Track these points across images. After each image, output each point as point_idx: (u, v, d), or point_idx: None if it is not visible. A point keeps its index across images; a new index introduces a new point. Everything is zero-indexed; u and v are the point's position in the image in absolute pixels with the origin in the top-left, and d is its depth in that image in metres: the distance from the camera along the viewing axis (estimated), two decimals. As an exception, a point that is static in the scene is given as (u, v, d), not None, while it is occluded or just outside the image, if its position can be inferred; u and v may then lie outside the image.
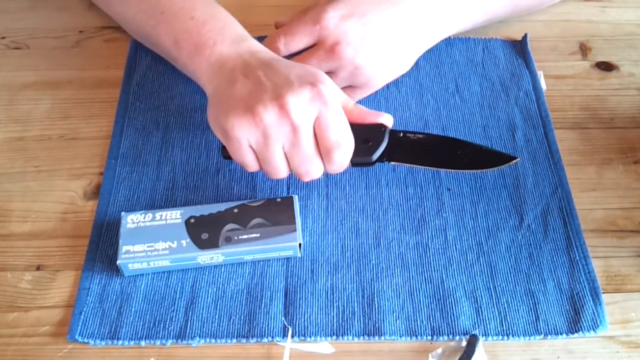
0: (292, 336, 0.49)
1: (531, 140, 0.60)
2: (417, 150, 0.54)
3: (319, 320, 0.50)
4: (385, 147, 0.52)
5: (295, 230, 0.51)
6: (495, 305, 0.50)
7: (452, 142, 0.55)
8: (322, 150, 0.50)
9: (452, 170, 0.56)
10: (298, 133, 0.48)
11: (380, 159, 0.53)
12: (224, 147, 0.53)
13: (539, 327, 0.49)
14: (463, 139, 0.55)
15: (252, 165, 0.51)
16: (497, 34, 0.69)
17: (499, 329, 0.49)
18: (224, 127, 0.49)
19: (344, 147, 0.50)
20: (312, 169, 0.51)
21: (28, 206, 0.56)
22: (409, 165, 0.54)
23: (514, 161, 0.54)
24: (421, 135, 0.54)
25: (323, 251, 0.53)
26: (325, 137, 0.49)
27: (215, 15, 0.56)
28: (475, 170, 0.55)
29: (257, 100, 0.48)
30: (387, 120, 0.53)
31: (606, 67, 0.66)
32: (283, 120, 0.48)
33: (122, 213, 0.52)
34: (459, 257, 0.53)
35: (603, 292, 0.51)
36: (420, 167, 0.55)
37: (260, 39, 0.57)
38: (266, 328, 0.49)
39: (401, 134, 0.54)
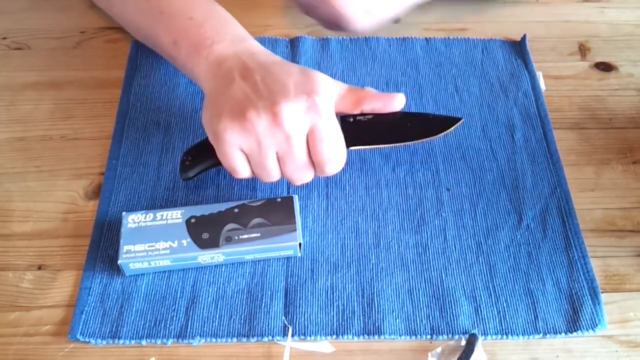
0: (293, 335, 0.49)
1: (530, 141, 0.60)
2: (370, 131, 0.54)
3: (319, 319, 0.50)
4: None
5: (295, 230, 0.51)
6: (494, 305, 0.50)
7: (401, 116, 0.55)
8: (315, 162, 0.50)
9: (410, 143, 0.56)
10: (291, 142, 0.49)
11: None
12: (182, 167, 0.54)
13: (537, 326, 0.49)
14: (411, 111, 0.56)
15: (241, 171, 0.51)
16: (496, 34, 0.69)
17: (498, 328, 0.49)
18: (215, 129, 0.49)
19: (336, 161, 0.50)
20: (305, 176, 0.51)
21: (29, 206, 0.56)
22: (367, 147, 0.54)
23: (459, 122, 0.55)
24: (370, 116, 0.54)
25: (323, 251, 0.53)
26: (317, 151, 0.49)
27: (214, 15, 0.56)
28: (426, 139, 0.55)
29: (251, 106, 0.48)
30: (387, 103, 0.53)
31: (605, 67, 0.66)
32: (276, 129, 0.48)
33: (123, 213, 0.52)
34: (458, 257, 0.53)
35: (602, 292, 0.51)
36: (378, 147, 0.55)
37: (261, 39, 0.57)
38: (266, 327, 0.49)
39: (351, 119, 0.53)
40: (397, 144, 0.55)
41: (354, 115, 0.53)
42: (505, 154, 0.59)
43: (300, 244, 0.51)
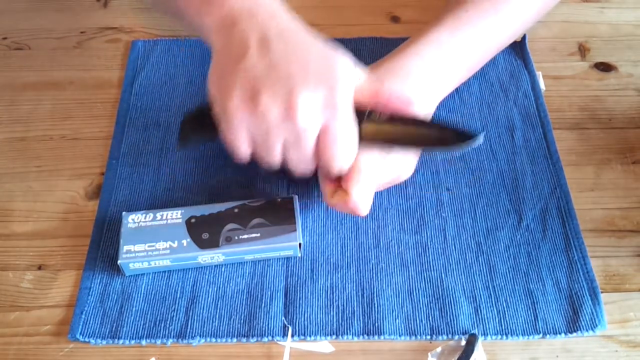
0: (292, 335, 0.49)
1: (530, 141, 0.60)
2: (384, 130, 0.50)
3: (318, 319, 0.50)
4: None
5: (295, 230, 0.51)
6: (494, 305, 0.50)
7: (418, 122, 0.51)
8: (321, 159, 0.47)
9: (423, 149, 0.53)
10: (301, 137, 0.46)
11: None
12: (181, 135, 0.50)
13: (537, 326, 0.49)
14: (430, 122, 0.52)
15: (242, 150, 0.48)
16: (496, 34, 0.69)
17: (498, 328, 0.49)
18: (225, 106, 0.46)
19: (344, 162, 0.48)
20: (306, 169, 0.49)
21: (29, 206, 0.56)
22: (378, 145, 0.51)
23: (479, 139, 0.49)
24: (385, 117, 0.49)
25: (323, 251, 0.53)
26: (327, 151, 0.46)
27: None
28: (439, 149, 0.53)
29: (266, 89, 0.44)
30: (404, 103, 0.49)
31: (605, 67, 0.66)
32: (288, 121, 0.45)
33: (123, 213, 0.53)
34: (458, 257, 0.53)
35: (602, 292, 0.51)
36: (391, 146, 0.51)
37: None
38: (266, 327, 0.49)
39: (366, 115, 0.49)
40: (409, 148, 0.52)
41: (369, 113, 0.49)
42: (505, 154, 0.59)
43: (300, 244, 0.51)
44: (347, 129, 0.47)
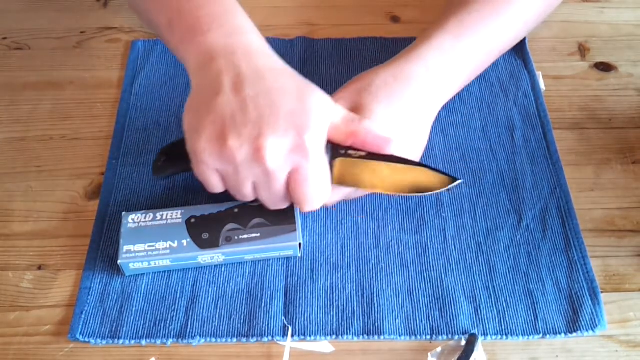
0: (292, 335, 0.49)
1: (530, 141, 0.60)
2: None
3: (318, 319, 0.50)
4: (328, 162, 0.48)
5: (295, 230, 0.51)
6: (494, 305, 0.50)
7: (397, 161, 0.50)
8: (293, 199, 0.47)
9: (398, 195, 0.52)
10: (270, 178, 0.46)
11: None
12: (155, 166, 0.52)
13: (537, 326, 0.49)
14: (410, 160, 0.51)
15: (215, 188, 0.48)
16: (496, 34, 0.69)
17: (498, 328, 0.49)
18: (193, 146, 0.46)
19: (316, 202, 0.47)
20: (280, 205, 0.49)
21: (30, 206, 0.57)
22: (353, 187, 0.51)
23: (456, 182, 0.51)
24: (364, 153, 0.49)
25: (323, 251, 0.53)
26: (298, 191, 0.46)
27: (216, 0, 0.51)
28: (415, 194, 0.51)
29: (234, 132, 0.44)
30: (380, 146, 0.48)
31: (605, 67, 0.66)
32: (256, 163, 0.45)
33: (123, 213, 0.53)
34: (458, 257, 0.53)
35: (602, 292, 0.51)
36: (364, 190, 0.52)
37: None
38: (266, 327, 0.49)
39: (343, 151, 0.49)
40: (385, 193, 0.52)
41: (347, 148, 0.49)
42: (505, 154, 0.59)
43: (300, 244, 0.51)
44: (318, 171, 0.46)
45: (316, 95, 0.47)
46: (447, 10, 0.58)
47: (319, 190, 0.47)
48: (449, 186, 0.51)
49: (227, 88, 0.45)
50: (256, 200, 0.50)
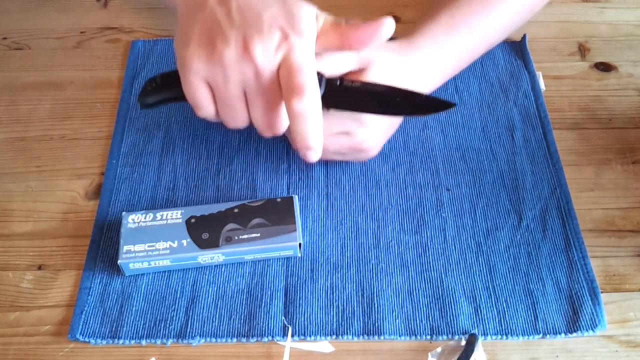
0: (292, 335, 0.49)
1: (530, 141, 0.60)
2: (355, 97, 0.50)
3: (318, 319, 0.50)
4: (322, 95, 0.48)
5: (295, 230, 0.51)
6: (494, 305, 0.50)
7: (391, 90, 0.51)
8: (284, 95, 0.46)
9: (395, 116, 0.52)
10: (260, 78, 0.46)
11: None
12: (142, 92, 0.51)
13: (537, 326, 0.49)
14: (405, 89, 0.51)
15: (204, 105, 0.48)
16: (496, 34, 0.69)
17: (498, 328, 0.49)
18: (182, 55, 0.46)
19: (306, 94, 0.45)
20: (274, 122, 0.48)
21: (30, 206, 0.57)
22: (348, 111, 0.51)
23: (451, 107, 0.50)
24: (359, 84, 0.50)
25: (323, 251, 0.53)
26: (288, 80, 0.45)
27: None
28: (412, 116, 0.52)
29: (221, 34, 0.45)
30: (375, 30, 0.47)
31: (605, 67, 0.66)
32: (245, 62, 0.45)
33: (123, 213, 0.53)
34: (458, 257, 0.53)
35: (602, 292, 0.51)
36: (360, 113, 0.51)
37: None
38: (266, 327, 0.49)
39: (338, 82, 0.50)
40: (381, 115, 0.52)
41: (341, 79, 0.50)
42: (505, 154, 0.59)
43: (300, 244, 0.51)
44: (305, 58, 0.46)
45: (301, 3, 0.48)
46: (437, 3, 0.59)
47: (308, 79, 0.45)
48: (443, 110, 0.50)
49: (212, 2, 0.47)
50: (256, 201, 0.50)
